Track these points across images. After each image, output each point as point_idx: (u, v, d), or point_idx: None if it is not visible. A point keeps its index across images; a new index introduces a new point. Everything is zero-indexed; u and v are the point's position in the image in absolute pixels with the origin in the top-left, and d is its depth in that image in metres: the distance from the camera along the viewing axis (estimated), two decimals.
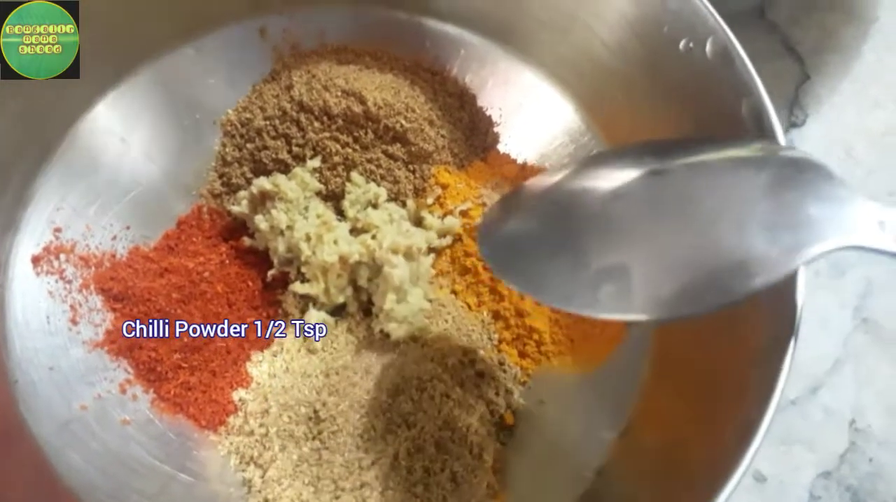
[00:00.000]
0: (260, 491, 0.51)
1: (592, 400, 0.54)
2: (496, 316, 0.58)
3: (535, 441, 0.54)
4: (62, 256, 0.53)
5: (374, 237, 0.55)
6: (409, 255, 0.54)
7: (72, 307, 0.53)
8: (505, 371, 0.56)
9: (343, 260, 0.55)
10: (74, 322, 0.52)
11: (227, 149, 0.61)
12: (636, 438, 0.51)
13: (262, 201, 0.57)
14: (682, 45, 0.51)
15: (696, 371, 0.50)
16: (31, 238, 0.53)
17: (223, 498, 0.51)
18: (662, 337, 0.54)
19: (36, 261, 0.52)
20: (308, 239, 0.55)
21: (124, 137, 0.58)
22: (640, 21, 0.53)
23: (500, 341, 0.57)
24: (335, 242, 0.55)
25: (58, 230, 0.54)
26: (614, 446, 0.51)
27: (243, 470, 0.52)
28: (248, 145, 0.60)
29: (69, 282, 0.53)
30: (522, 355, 0.57)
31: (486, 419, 0.54)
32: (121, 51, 0.57)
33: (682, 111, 0.53)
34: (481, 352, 0.56)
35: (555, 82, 0.62)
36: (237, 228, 0.60)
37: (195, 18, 0.59)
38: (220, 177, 0.61)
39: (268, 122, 0.59)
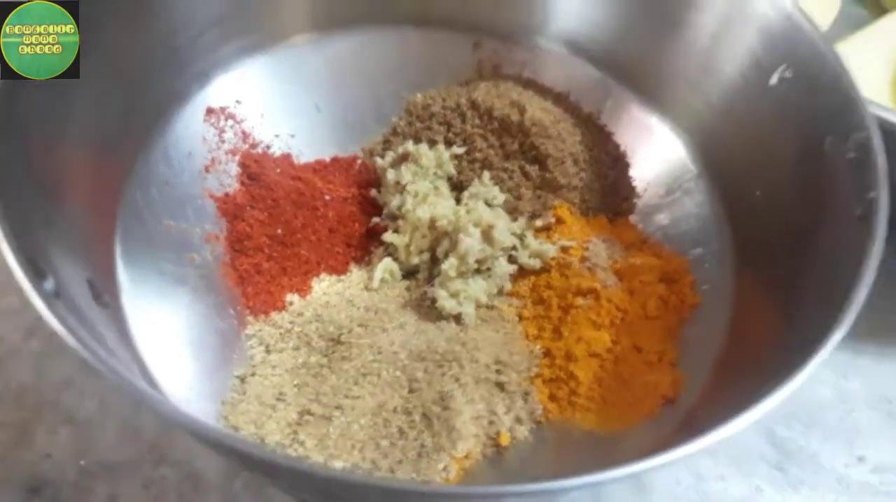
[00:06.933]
0: (254, 366, 0.53)
1: (597, 456, 0.51)
2: (546, 353, 0.56)
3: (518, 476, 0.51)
4: (229, 122, 0.62)
5: (468, 212, 0.58)
6: (487, 237, 0.56)
7: (213, 159, 0.61)
8: (526, 401, 0.54)
9: (432, 221, 0.58)
10: (207, 170, 0.60)
11: (401, 123, 0.68)
12: None
13: (401, 162, 0.63)
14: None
15: None
16: (216, 94, 0.62)
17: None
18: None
19: (209, 112, 0.61)
20: (416, 195, 0.59)
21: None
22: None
23: (536, 375, 0.55)
24: (435, 207, 0.59)
25: (238, 102, 0.63)
26: None
27: (252, 348, 0.55)
28: (418, 124, 0.66)
29: (223, 142, 0.62)
30: (552, 398, 0.55)
31: (481, 424, 0.52)
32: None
33: None
34: (514, 374, 0.55)
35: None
36: (373, 184, 0.65)
37: (425, 14, 0.69)
38: (385, 142, 0.68)
39: (442, 111, 0.65)
